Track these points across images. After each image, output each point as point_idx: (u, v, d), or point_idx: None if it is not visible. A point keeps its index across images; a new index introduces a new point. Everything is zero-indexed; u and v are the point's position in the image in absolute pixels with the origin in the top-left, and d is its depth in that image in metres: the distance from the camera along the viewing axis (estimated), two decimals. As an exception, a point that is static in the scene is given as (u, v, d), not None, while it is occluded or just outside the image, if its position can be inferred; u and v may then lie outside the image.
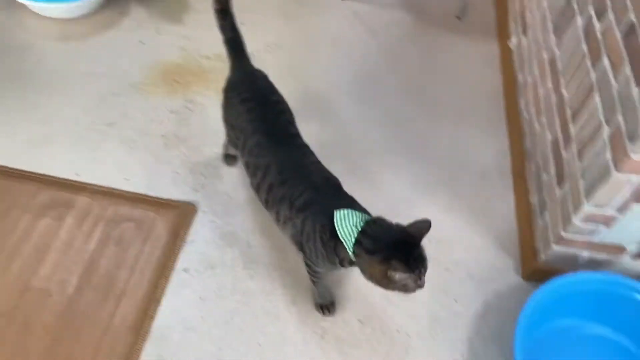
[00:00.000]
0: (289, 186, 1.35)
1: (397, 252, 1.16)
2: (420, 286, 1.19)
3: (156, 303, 1.57)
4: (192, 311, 1.58)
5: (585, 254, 1.58)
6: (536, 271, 1.65)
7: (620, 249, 1.54)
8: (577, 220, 1.46)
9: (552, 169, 1.64)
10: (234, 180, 1.86)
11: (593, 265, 1.60)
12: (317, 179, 1.38)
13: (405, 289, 1.18)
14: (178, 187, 1.83)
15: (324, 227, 1.28)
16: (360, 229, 1.21)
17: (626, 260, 1.57)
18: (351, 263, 1.28)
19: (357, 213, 1.25)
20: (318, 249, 1.32)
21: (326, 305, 1.59)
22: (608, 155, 1.32)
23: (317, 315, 1.59)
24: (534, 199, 1.77)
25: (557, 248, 1.57)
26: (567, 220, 1.49)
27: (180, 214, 1.75)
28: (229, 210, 1.79)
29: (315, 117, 2.07)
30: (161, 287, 1.60)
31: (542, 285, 1.49)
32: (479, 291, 1.67)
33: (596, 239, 1.51)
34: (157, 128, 1.99)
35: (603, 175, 1.33)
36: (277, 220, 1.42)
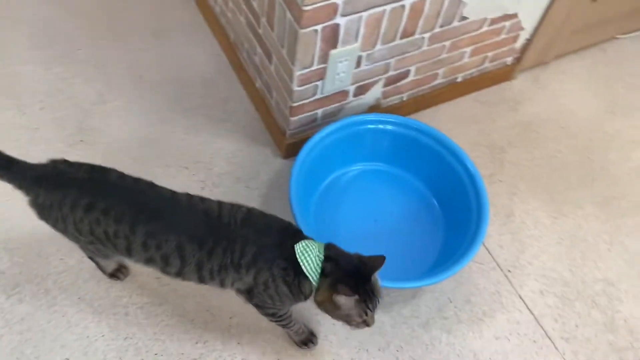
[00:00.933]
0: (222, 251, 1.12)
1: (347, 277, 1.08)
2: (367, 323, 1.12)
3: None
4: (-29, 373, 1.35)
5: (319, 112, 1.67)
6: (290, 147, 1.72)
7: (343, 94, 1.65)
8: (296, 87, 1.51)
9: (259, 49, 1.66)
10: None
11: (331, 118, 1.72)
12: (242, 226, 1.14)
13: (348, 319, 1.11)
14: None
15: (286, 270, 1.12)
16: (323, 257, 1.10)
17: (352, 100, 1.70)
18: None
19: (312, 242, 1.12)
20: (283, 293, 1.16)
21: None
22: (289, 16, 1.36)
23: (112, 297, 1.48)
24: (259, 84, 1.79)
25: (294, 119, 1.64)
26: (289, 91, 1.54)
27: None
28: (-45, 248, 1.51)
29: (13, 103, 1.79)
30: None
31: (295, 157, 1.56)
32: (251, 189, 1.71)
33: (320, 95, 1.60)
34: None
35: (294, 36, 1.37)
36: (223, 286, 1.20)
